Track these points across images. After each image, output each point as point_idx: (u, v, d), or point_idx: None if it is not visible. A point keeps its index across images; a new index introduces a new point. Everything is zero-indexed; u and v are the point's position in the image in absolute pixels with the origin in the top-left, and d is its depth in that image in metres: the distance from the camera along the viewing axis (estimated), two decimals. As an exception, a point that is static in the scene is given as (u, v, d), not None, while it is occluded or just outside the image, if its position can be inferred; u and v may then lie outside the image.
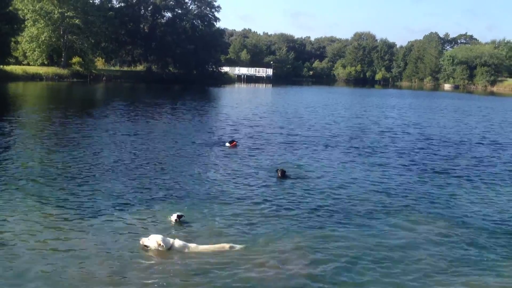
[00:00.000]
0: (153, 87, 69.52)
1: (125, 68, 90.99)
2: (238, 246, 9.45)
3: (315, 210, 12.34)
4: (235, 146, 21.12)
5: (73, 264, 8.58)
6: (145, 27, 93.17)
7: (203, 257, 9.05)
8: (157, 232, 10.01)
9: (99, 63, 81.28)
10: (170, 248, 9.12)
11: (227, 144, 21.32)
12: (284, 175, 15.34)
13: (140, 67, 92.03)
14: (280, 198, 13.26)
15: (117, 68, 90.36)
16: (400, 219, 11.93)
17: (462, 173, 17.78)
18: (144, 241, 9.24)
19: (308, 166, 17.92)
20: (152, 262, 8.87)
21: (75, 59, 72.39)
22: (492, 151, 23.27)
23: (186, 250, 9.16)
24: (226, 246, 9.39)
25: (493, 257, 9.77)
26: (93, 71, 74.27)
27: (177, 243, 9.24)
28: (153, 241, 9.15)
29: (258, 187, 14.40)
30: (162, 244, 9.07)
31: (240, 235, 10.26)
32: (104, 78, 75.42)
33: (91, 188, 13.35)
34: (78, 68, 72.01)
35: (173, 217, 10.52)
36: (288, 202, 12.95)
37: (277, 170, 15.71)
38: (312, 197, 13.52)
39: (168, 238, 9.28)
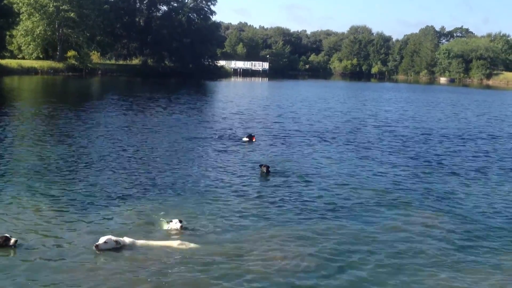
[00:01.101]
0: (149, 81, 69.31)
1: (121, 62, 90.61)
2: (190, 244, 9.35)
3: (302, 205, 12.31)
4: (254, 140, 21.11)
5: (60, 261, 8.57)
6: (141, 21, 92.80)
7: (182, 254, 8.99)
8: (150, 229, 10.06)
9: (95, 57, 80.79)
10: (123, 246, 9.01)
11: (245, 139, 21.19)
12: (268, 171, 15.05)
13: (135, 61, 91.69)
14: (265, 194, 13.15)
15: (113, 62, 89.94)
16: (395, 213, 11.96)
17: (458, 166, 17.82)
18: (98, 245, 8.91)
19: (300, 160, 17.91)
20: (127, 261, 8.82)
21: (70, 53, 72.02)
22: (489, 145, 23.31)
23: (137, 246, 9.08)
24: (176, 243, 9.33)
25: (488, 250, 9.82)
26: (89, 64, 73.88)
27: (127, 240, 9.15)
28: (110, 241, 8.94)
29: (243, 183, 14.18)
30: (119, 241, 8.97)
31: (220, 231, 10.20)
32: (99, 72, 75.12)
33: (84, 183, 13.34)
34: (73, 61, 71.69)
35: (177, 225, 10.05)
36: (273, 197, 12.85)
37: (261, 166, 15.43)
38: (300, 193, 13.47)
39: (118, 238, 9.11)
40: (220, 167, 16.30)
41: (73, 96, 43.55)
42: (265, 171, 15.04)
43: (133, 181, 13.85)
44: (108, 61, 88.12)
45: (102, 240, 8.97)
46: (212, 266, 8.57)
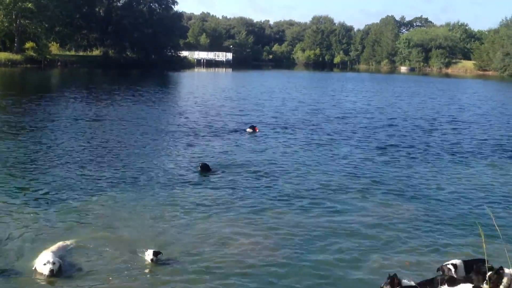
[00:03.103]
0: (110, 72, 68.16)
1: (81, 53, 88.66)
2: (70, 241, 9.15)
3: (263, 197, 12.42)
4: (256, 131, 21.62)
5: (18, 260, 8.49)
6: (101, 11, 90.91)
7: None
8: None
9: (54, 48, 78.84)
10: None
11: (248, 130, 21.59)
12: (206, 169, 14.69)
13: (96, 52, 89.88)
14: (219, 189, 13.06)
15: (73, 53, 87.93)
16: (356, 201, 12.22)
17: (422, 155, 18.33)
18: (53, 270, 8.00)
19: (262, 152, 18.01)
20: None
21: (29, 44, 70.18)
22: (453, 134, 23.95)
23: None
24: (67, 242, 9.10)
25: (445, 234, 10.13)
26: (47, 56, 72.07)
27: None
28: (56, 261, 8.15)
29: (181, 182, 13.68)
30: (60, 262, 8.24)
31: (158, 234, 9.90)
32: (59, 64, 73.43)
33: (30, 180, 13.02)
34: (31, 53, 69.86)
35: (148, 256, 8.58)
36: (231, 192, 12.80)
37: (200, 164, 14.97)
38: (261, 185, 13.54)
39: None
40: (179, 162, 16.19)
41: (31, 88, 42.46)
42: (199, 168, 14.67)
43: (82, 178, 13.49)
44: (67, 52, 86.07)
45: (51, 261, 8.01)
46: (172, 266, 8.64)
